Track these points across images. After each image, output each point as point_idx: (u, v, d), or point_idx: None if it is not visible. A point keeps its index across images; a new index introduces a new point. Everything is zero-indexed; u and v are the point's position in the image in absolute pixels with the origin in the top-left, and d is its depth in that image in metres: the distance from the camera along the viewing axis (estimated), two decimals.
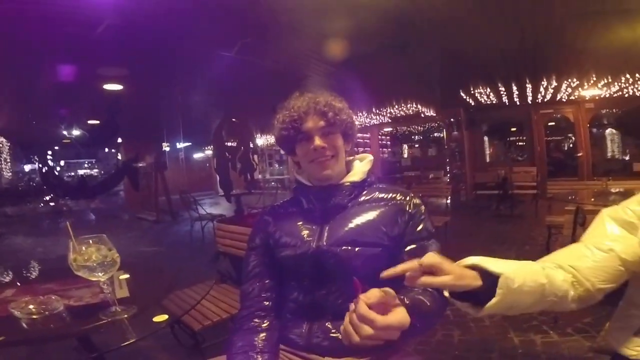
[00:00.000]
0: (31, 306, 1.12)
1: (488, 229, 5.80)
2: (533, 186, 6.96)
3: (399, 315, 0.68)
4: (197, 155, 17.83)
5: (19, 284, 1.49)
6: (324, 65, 5.24)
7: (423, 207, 1.03)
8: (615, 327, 0.95)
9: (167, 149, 12.99)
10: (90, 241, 1.07)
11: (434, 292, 0.91)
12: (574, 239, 2.30)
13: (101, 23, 3.42)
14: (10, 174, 13.31)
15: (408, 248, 0.97)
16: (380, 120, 11.23)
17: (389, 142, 14.41)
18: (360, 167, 1.08)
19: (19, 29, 3.45)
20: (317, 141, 0.99)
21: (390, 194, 1.04)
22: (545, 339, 2.30)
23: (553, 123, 10.23)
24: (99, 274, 1.06)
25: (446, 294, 0.76)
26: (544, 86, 7.01)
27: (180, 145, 13.82)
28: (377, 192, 1.05)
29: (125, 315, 1.07)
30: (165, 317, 1.16)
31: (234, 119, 5.44)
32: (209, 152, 16.51)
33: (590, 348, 2.07)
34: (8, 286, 1.46)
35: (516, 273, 0.72)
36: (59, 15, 3.25)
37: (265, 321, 0.99)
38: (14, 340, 1.04)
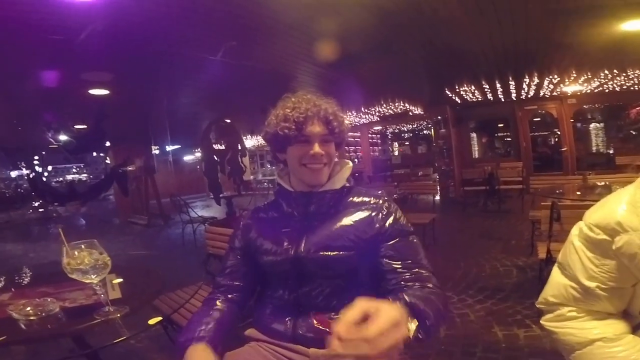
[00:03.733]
0: (28, 308, 1.17)
1: (475, 225, 5.91)
2: (519, 181, 7.10)
3: (386, 314, 0.59)
4: (188, 158, 17.73)
5: (13, 288, 1.52)
6: (312, 66, 5.30)
7: (397, 208, 1.07)
8: None
9: (157, 152, 12.90)
10: (83, 246, 1.12)
11: (432, 288, 0.95)
12: (551, 233, 2.40)
13: (85, 28, 3.43)
14: None
15: (389, 243, 1.00)
16: (370, 119, 11.31)
17: (379, 141, 14.53)
18: (341, 175, 1.10)
19: (3, 35, 3.44)
20: (317, 148, 1.00)
21: (364, 198, 1.08)
22: (528, 333, 2.37)
23: (539, 119, 10.42)
24: (92, 276, 1.11)
25: None
26: (527, 83, 7.16)
27: (169, 148, 13.73)
28: (353, 197, 1.09)
29: (118, 315, 1.12)
30: (159, 318, 1.23)
31: (221, 122, 5.45)
32: (199, 154, 16.42)
33: None
34: (3, 291, 1.49)
35: None
36: (43, 21, 3.25)
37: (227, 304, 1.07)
38: (14, 340, 1.08)
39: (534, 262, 3.55)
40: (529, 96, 8.35)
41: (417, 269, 0.97)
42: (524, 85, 7.36)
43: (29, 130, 8.56)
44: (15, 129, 8.50)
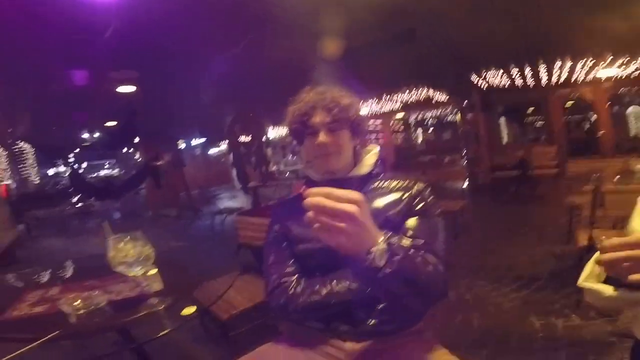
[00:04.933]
0: (78, 302, 1.20)
1: (507, 212, 5.74)
2: (553, 165, 6.82)
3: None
4: (212, 151, 18.05)
5: (60, 283, 1.58)
6: (332, 55, 5.22)
7: (427, 190, 1.05)
8: None
9: (183, 145, 13.20)
10: (128, 237, 1.14)
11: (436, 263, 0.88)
12: (593, 220, 2.29)
13: (110, 28, 3.51)
14: (37, 179, 13.78)
15: (412, 219, 0.98)
16: (392, 107, 11.13)
17: (402, 128, 14.30)
18: (367, 160, 1.10)
19: (33, 38, 3.58)
20: (322, 137, 1.01)
21: (395, 182, 1.07)
22: (567, 323, 2.29)
23: (572, 102, 9.95)
24: (136, 268, 1.13)
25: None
26: (559, 67, 6.82)
27: (195, 141, 14.01)
28: (382, 182, 1.08)
29: (163, 306, 1.15)
30: (193, 308, 1.23)
31: (246, 115, 5.51)
32: (223, 147, 16.69)
33: (612, 332, 2.08)
34: (51, 285, 1.56)
35: None
36: (71, 22, 3.35)
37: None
38: (66, 334, 1.11)
39: (572, 250, 3.40)
40: (562, 80, 7.96)
41: (425, 252, 0.89)
42: (557, 69, 7.01)
43: (63, 129, 8.95)
44: (50, 128, 8.91)
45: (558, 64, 6.63)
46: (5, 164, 11.15)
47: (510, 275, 3.16)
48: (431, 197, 1.04)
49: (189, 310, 1.23)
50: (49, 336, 1.01)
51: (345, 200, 0.64)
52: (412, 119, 14.63)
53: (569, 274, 2.99)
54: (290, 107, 1.07)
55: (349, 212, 0.63)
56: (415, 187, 1.04)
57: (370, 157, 1.11)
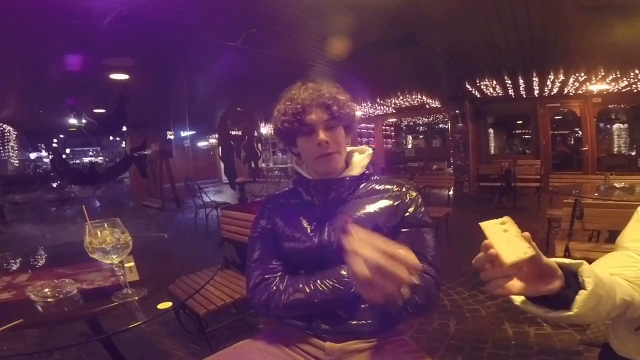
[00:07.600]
0: (46, 290, 1.15)
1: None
2: (536, 179, 6.95)
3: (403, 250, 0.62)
4: (201, 144, 17.84)
5: (30, 270, 1.52)
6: (329, 55, 5.22)
7: (419, 199, 1.05)
8: (617, 321, 0.87)
9: (171, 137, 12.99)
10: (105, 224, 1.10)
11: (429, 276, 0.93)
12: (571, 231, 2.34)
13: (108, 14, 3.43)
14: (17, 161, 13.40)
15: (403, 230, 0.99)
16: (385, 111, 11.19)
17: (393, 133, 14.40)
18: (359, 162, 1.08)
19: (26, 18, 3.47)
20: (322, 135, 0.97)
21: (387, 186, 1.06)
22: (538, 331, 2.35)
23: (560, 117, 10.16)
24: (113, 256, 1.09)
25: (518, 299, 0.68)
26: (551, 80, 6.94)
27: (185, 133, 13.82)
28: (374, 185, 1.06)
29: (136, 297, 1.10)
30: (169, 304, 1.20)
31: (239, 108, 5.47)
32: (212, 140, 16.52)
33: (581, 341, 2.14)
34: (21, 272, 1.49)
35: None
36: (67, 5, 3.27)
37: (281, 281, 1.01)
38: (31, 323, 1.06)
39: None
40: (552, 93, 8.11)
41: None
42: (548, 82, 7.13)
43: (49, 113, 8.70)
44: (36, 112, 8.65)
45: (550, 77, 6.74)
46: None
47: None
48: (423, 208, 1.04)
49: (165, 305, 1.19)
50: (10, 324, 0.96)
51: (404, 262, 0.58)
52: (403, 124, 14.74)
53: None
54: (281, 104, 1.03)
55: (405, 279, 0.58)
56: (408, 196, 1.03)
57: (363, 158, 1.09)
